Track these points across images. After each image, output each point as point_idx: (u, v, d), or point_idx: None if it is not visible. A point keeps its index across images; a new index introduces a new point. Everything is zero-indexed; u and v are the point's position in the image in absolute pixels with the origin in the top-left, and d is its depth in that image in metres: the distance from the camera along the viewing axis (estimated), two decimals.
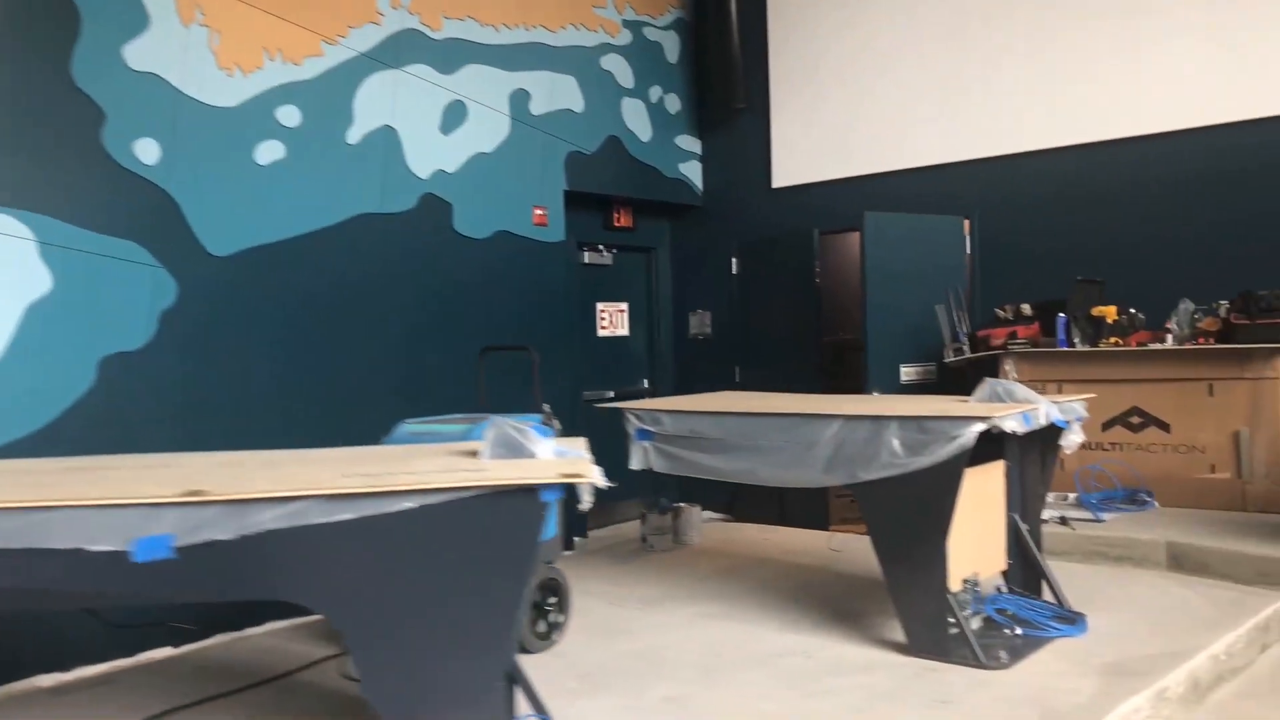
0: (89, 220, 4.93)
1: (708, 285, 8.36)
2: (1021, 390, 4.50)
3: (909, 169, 7.36)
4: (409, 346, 6.23)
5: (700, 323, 8.44)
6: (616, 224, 8.08)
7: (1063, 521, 5.78)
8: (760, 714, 3.78)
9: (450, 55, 6.52)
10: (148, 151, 5.13)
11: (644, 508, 6.86)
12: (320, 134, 5.83)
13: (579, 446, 3.24)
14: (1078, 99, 6.67)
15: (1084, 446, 4.96)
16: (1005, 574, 4.73)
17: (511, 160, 6.87)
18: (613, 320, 8.27)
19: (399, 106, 6.22)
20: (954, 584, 4.23)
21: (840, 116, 7.70)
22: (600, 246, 8.04)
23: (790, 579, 5.69)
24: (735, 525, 7.37)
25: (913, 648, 4.31)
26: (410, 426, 4.61)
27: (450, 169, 6.50)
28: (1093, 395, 5.09)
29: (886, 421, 4.27)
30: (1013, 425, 4.12)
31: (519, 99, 6.95)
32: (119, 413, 4.95)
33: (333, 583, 2.61)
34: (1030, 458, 4.73)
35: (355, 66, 6.00)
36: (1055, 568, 4.87)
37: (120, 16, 5.04)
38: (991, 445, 4.29)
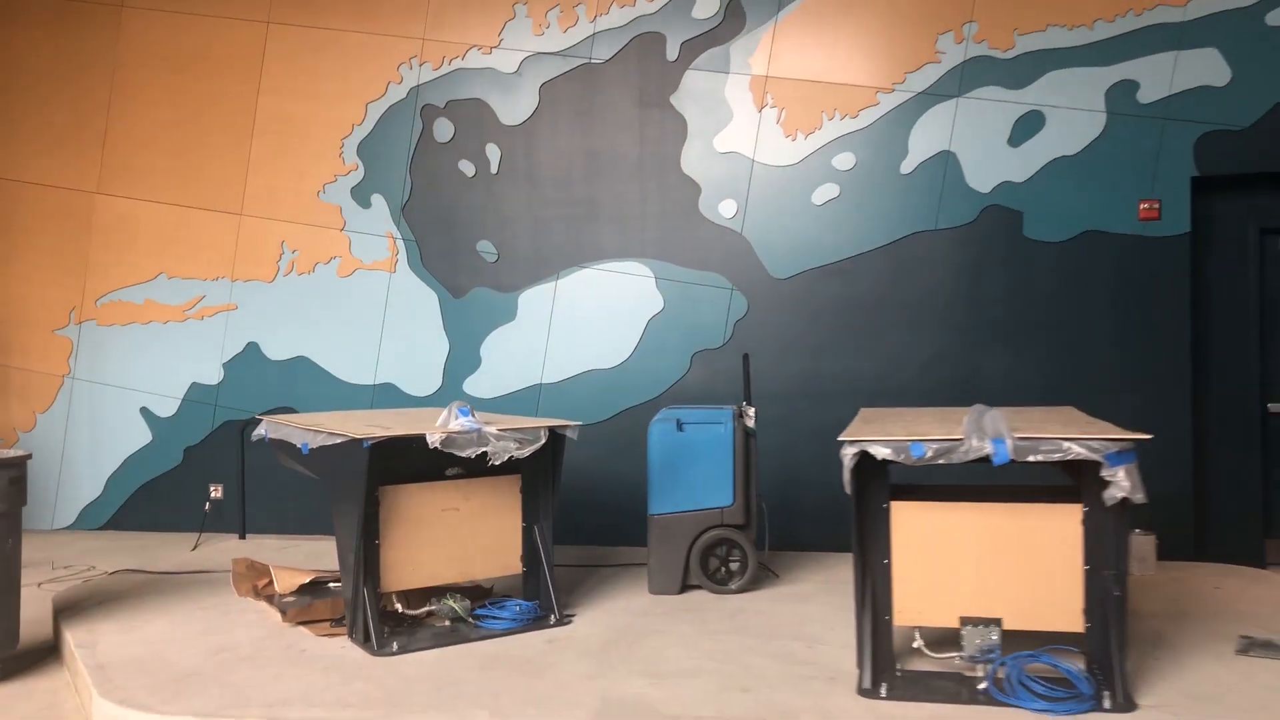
0: (688, 260, 7.25)
1: None
2: (995, 419, 3.47)
3: None
4: (963, 347, 6.79)
5: None
6: None
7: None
8: (583, 694, 4.04)
9: (1024, 69, 6.75)
10: (729, 208, 7.19)
11: None
12: (874, 170, 6.97)
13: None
14: None
15: None
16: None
17: (1104, 158, 6.62)
18: None
19: (959, 131, 6.84)
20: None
21: None
22: None
23: None
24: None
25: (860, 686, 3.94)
26: (664, 411, 5.95)
27: (1019, 179, 6.74)
28: None
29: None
30: (883, 452, 3.50)
31: (1121, 91, 6.62)
32: (699, 392, 7.14)
33: (335, 475, 4.66)
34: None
35: (912, 105, 6.91)
36: None
37: (714, 117, 7.23)
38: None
